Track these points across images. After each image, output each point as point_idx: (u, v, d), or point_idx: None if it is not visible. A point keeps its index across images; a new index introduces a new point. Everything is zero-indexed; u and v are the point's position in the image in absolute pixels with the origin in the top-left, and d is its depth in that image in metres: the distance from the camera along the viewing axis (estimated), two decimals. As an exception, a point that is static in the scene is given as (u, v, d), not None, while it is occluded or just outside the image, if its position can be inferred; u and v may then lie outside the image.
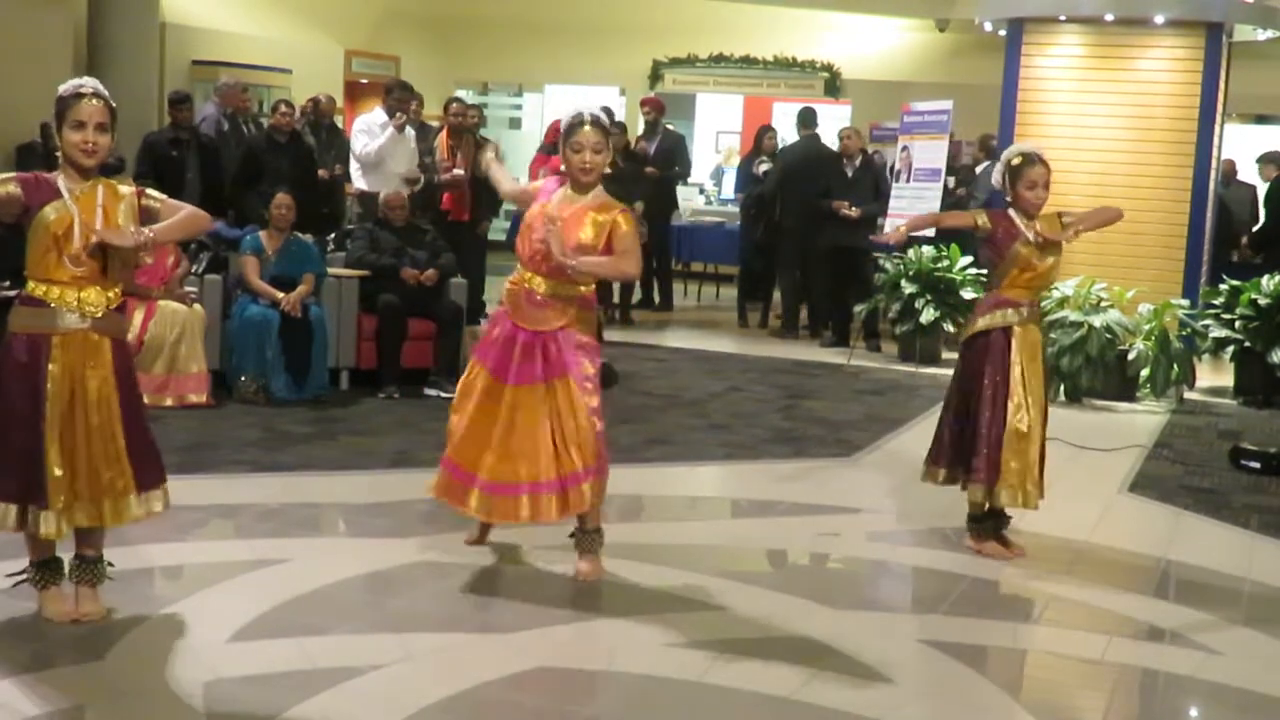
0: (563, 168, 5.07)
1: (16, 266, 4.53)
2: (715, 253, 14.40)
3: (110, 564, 4.39)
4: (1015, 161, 5.64)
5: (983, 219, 5.69)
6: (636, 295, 13.03)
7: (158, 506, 4.40)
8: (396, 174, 10.34)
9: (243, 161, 10.63)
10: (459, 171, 10.50)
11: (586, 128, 4.94)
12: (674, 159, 12.80)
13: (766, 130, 13.21)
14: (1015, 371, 5.52)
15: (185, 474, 6.26)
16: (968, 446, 5.59)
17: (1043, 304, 9.31)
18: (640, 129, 13.15)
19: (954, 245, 10.83)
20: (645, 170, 12.35)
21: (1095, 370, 9.23)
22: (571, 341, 4.93)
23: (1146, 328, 9.35)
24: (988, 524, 5.64)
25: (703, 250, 14.54)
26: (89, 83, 4.25)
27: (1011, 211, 5.63)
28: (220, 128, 11.55)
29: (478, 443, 4.91)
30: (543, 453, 4.87)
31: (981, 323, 5.63)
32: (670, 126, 13.53)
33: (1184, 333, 9.55)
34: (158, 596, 4.69)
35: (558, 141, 12.03)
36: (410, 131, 10.68)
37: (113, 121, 4.25)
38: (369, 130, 10.60)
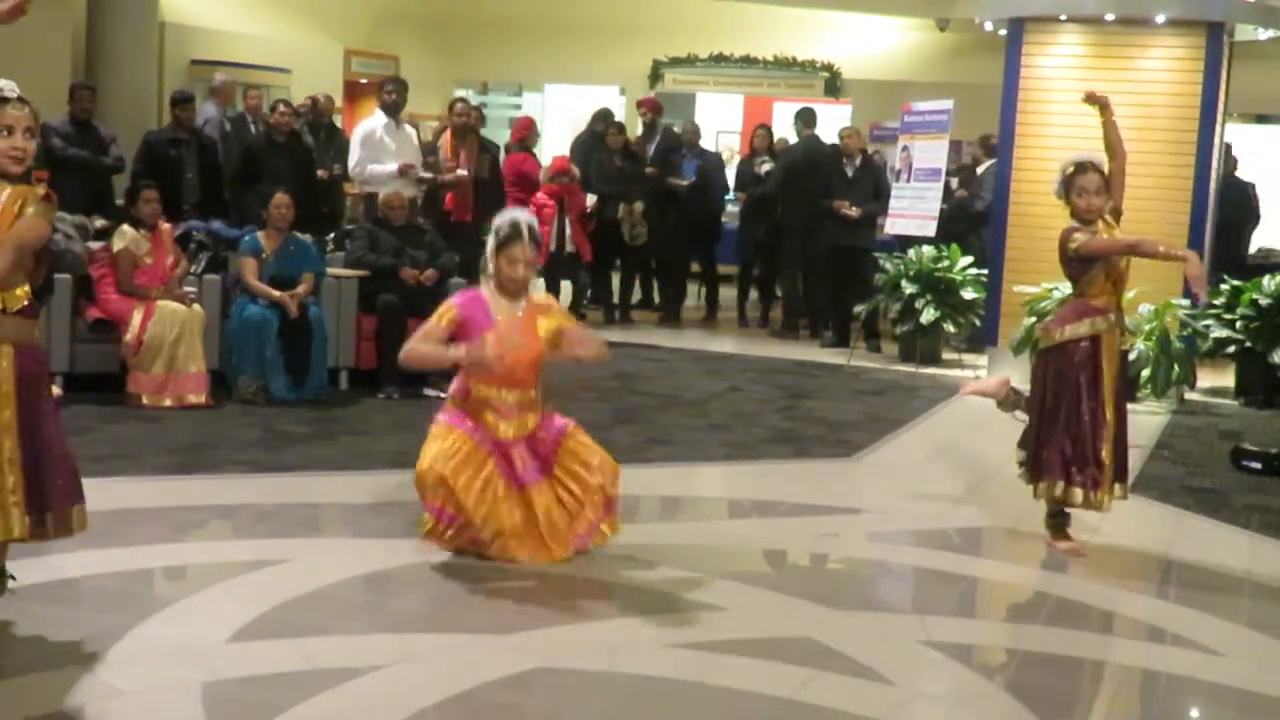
0: (488, 277, 5.25)
1: None
2: (706, 251, 14.35)
3: (12, 577, 4.29)
4: (1069, 171, 5.62)
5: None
6: (636, 295, 13.04)
7: (52, 530, 4.11)
8: (398, 164, 10.20)
9: (242, 161, 10.63)
10: (462, 172, 10.48)
11: (522, 244, 5.15)
12: (672, 160, 12.80)
13: (760, 129, 13.21)
14: (1105, 378, 5.55)
15: (185, 474, 6.28)
16: (1076, 453, 5.53)
17: (1044, 304, 9.36)
18: (640, 129, 13.15)
19: (954, 245, 10.83)
20: (645, 170, 12.36)
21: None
22: (546, 424, 5.26)
23: (1147, 328, 9.34)
24: (1063, 519, 5.67)
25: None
26: (8, 86, 4.14)
27: (1074, 223, 5.62)
28: (223, 128, 11.54)
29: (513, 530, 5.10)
30: (569, 527, 5.19)
31: (1068, 331, 5.62)
32: (676, 129, 13.54)
33: (1185, 333, 9.54)
34: (158, 596, 4.69)
35: (526, 139, 12.01)
36: (409, 129, 10.64)
37: (37, 125, 4.16)
38: (365, 142, 10.39)
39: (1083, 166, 5.59)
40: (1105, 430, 5.53)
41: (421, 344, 5.24)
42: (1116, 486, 5.65)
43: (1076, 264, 5.63)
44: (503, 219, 5.23)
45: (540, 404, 5.29)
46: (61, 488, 4.13)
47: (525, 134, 12.09)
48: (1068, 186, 5.61)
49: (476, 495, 5.01)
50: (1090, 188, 5.56)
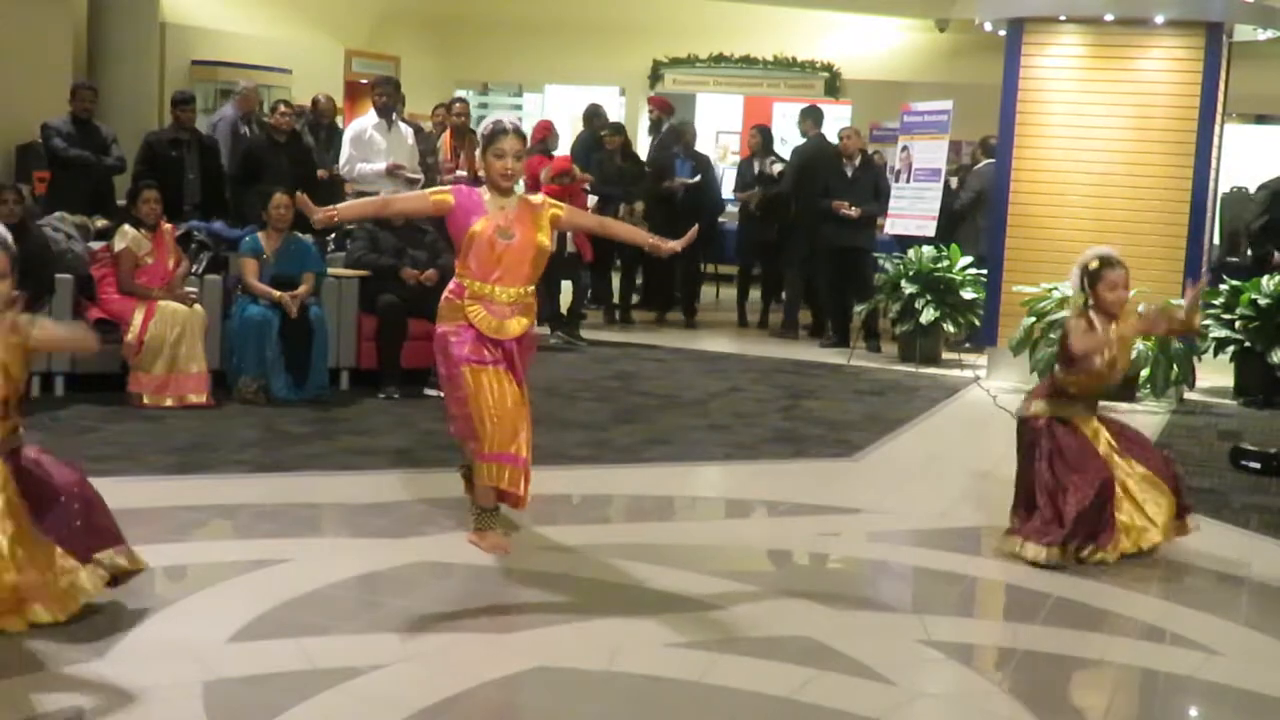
0: (481, 173, 5.38)
1: None
2: (715, 253, 14.38)
3: None
4: (1093, 266, 5.58)
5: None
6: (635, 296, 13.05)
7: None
8: (387, 164, 10.19)
9: (242, 161, 10.63)
10: (462, 172, 10.48)
11: (509, 136, 5.17)
12: (661, 159, 12.79)
13: (754, 131, 13.21)
14: (1085, 443, 5.55)
15: (185, 474, 6.29)
16: (1075, 520, 5.48)
17: (1044, 304, 9.37)
18: (645, 128, 13.14)
19: (954, 245, 10.83)
20: (644, 170, 12.36)
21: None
22: (529, 345, 5.30)
23: (1147, 328, 9.34)
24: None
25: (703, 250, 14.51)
26: None
27: (1092, 314, 5.58)
28: (237, 130, 11.53)
29: (510, 427, 5.09)
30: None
31: (1033, 408, 5.68)
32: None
33: (1184, 333, 9.55)
34: (158, 596, 4.69)
35: (547, 141, 11.95)
36: (405, 129, 10.63)
37: (13, 270, 4.23)
38: (356, 141, 10.39)
39: (1110, 261, 5.56)
40: (1098, 491, 5.47)
41: (402, 199, 5.57)
42: (1175, 523, 5.64)
43: (1067, 357, 5.65)
44: (487, 121, 5.32)
45: (534, 308, 5.30)
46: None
47: (545, 136, 12.06)
48: (1095, 279, 5.56)
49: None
50: (1120, 282, 5.54)
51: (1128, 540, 5.54)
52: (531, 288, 5.25)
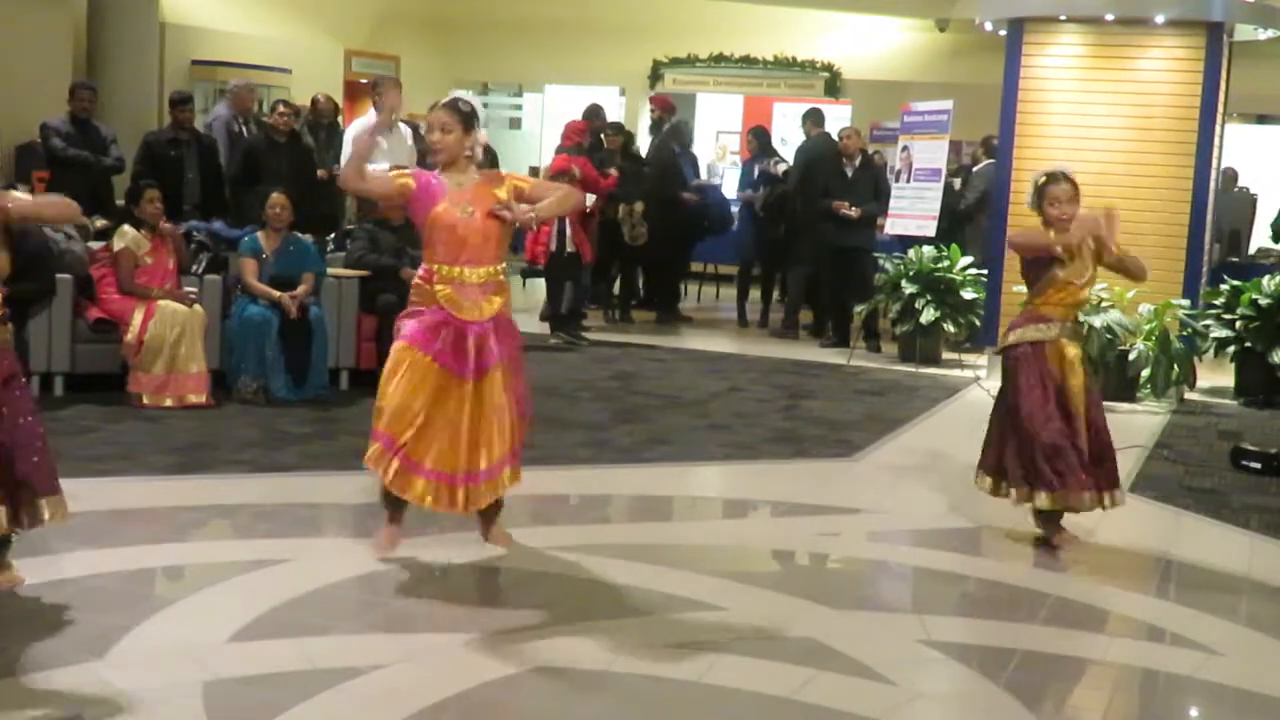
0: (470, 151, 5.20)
1: None
2: (715, 252, 14.39)
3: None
4: (1040, 181, 5.69)
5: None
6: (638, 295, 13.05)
7: (26, 521, 4.44)
8: (388, 165, 10.19)
9: (242, 161, 10.62)
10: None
11: (437, 109, 5.12)
12: (663, 158, 12.77)
13: (751, 133, 13.20)
14: (1051, 384, 5.57)
15: (185, 474, 6.28)
16: (1025, 458, 5.57)
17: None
18: (646, 128, 13.14)
19: (954, 245, 10.83)
20: (644, 170, 12.34)
21: (1096, 370, 9.21)
22: (505, 325, 5.11)
23: (1147, 328, 9.35)
24: (1055, 518, 5.70)
25: (702, 250, 14.52)
26: None
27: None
28: (231, 129, 11.52)
29: (428, 434, 4.93)
30: (483, 443, 4.99)
31: (1013, 335, 5.72)
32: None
33: (1184, 333, 9.55)
34: (158, 596, 4.69)
35: (582, 142, 11.87)
36: (405, 129, 10.61)
37: None
38: (357, 141, 10.37)
39: (1054, 176, 5.65)
40: (1069, 428, 5.53)
41: (373, 177, 5.37)
42: (1105, 495, 5.64)
43: (1026, 269, 5.73)
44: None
45: (508, 288, 5.17)
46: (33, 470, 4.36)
47: (580, 139, 12.02)
48: (1040, 196, 5.66)
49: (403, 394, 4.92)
50: (1062, 197, 5.60)
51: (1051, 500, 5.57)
52: (502, 265, 5.14)
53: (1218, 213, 11.04)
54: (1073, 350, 5.69)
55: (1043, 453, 5.53)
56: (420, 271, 5.18)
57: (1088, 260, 5.67)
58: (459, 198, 5.05)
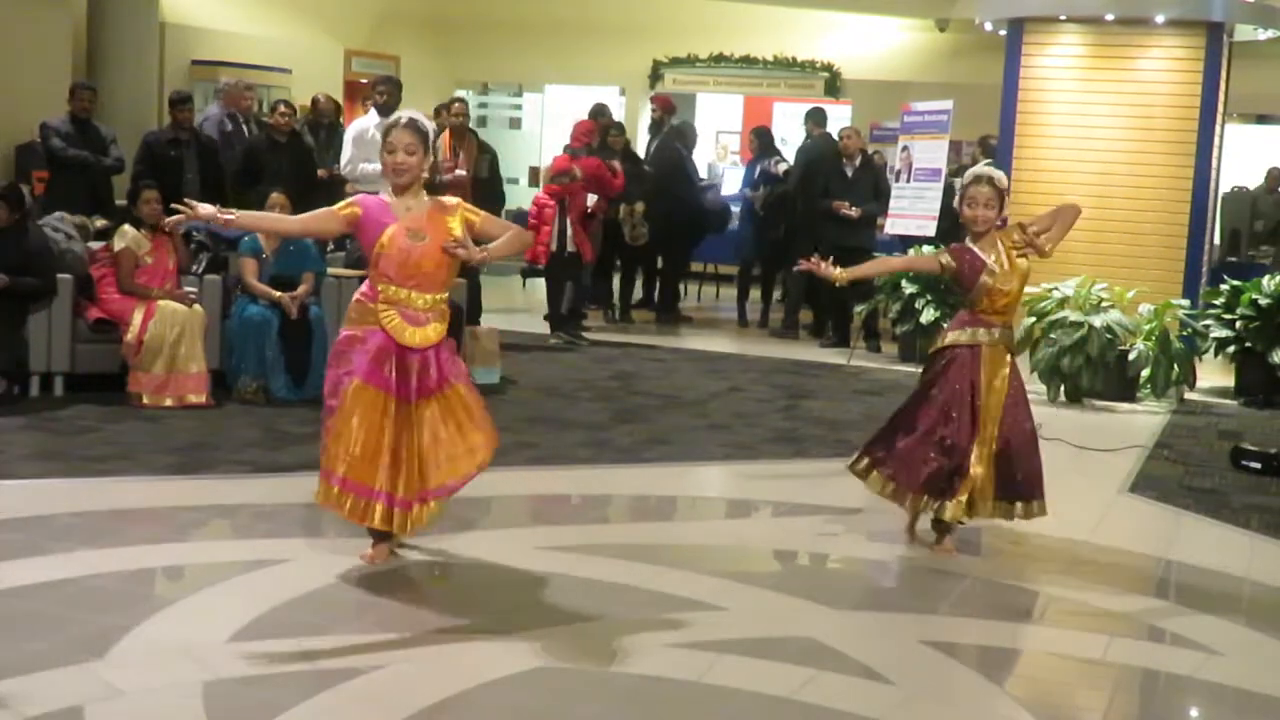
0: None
1: None
2: (715, 252, 14.39)
3: None
4: (963, 181, 5.65)
5: (946, 259, 5.58)
6: (637, 295, 13.04)
7: None
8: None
9: (243, 161, 10.62)
10: (461, 172, 10.47)
11: (398, 129, 4.95)
12: (670, 156, 12.77)
13: (753, 134, 13.20)
14: (971, 393, 5.49)
15: (185, 474, 6.28)
16: (929, 458, 5.51)
17: (1044, 304, 9.37)
18: (646, 127, 13.14)
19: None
20: (644, 170, 12.35)
21: (1096, 371, 9.23)
22: (448, 349, 5.03)
23: (1147, 328, 9.35)
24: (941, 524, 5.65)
25: (702, 250, 14.53)
26: None
27: (969, 240, 5.59)
28: (224, 128, 11.52)
29: (375, 459, 4.86)
30: (431, 464, 4.91)
31: (950, 338, 5.61)
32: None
33: (1184, 333, 9.55)
34: (158, 596, 4.69)
35: (591, 143, 11.80)
36: None
37: None
38: (358, 140, 10.36)
39: (977, 178, 5.58)
40: (969, 441, 5.45)
41: (313, 218, 5.18)
42: (1019, 505, 5.54)
43: (955, 280, 5.64)
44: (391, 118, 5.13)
45: (449, 315, 5.08)
46: None
47: (589, 140, 12.01)
48: (960, 197, 5.61)
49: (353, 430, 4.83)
50: (979, 199, 5.51)
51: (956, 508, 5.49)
52: (446, 295, 5.04)
53: (1265, 215, 11.01)
54: (1005, 366, 5.54)
55: (934, 454, 5.46)
56: (363, 288, 5.03)
57: (1013, 269, 5.50)
58: (410, 220, 4.92)
